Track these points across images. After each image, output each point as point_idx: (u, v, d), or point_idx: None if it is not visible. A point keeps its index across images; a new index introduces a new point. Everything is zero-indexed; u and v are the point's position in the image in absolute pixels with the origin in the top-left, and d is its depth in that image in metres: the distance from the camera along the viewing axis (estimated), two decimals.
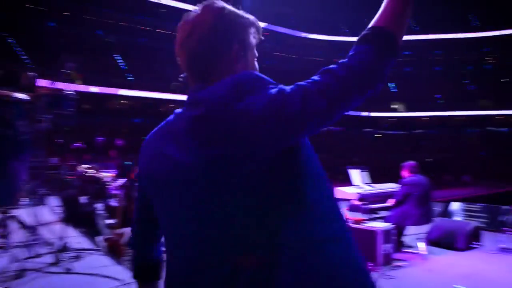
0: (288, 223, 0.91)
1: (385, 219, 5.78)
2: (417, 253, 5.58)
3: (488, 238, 6.36)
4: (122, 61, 34.73)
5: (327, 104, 0.91)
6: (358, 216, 5.96)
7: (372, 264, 4.92)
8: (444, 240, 6.06)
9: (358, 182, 6.25)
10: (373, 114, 43.47)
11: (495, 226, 7.31)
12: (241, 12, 1.11)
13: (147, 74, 33.90)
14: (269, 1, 39.48)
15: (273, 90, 0.94)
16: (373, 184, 6.37)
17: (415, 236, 5.88)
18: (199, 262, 0.95)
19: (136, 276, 1.28)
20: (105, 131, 29.57)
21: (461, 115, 41.79)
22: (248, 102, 0.92)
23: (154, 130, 1.16)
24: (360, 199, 5.77)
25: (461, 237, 5.90)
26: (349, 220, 5.28)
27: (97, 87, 29.90)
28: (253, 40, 1.13)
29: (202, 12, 1.07)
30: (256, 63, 1.16)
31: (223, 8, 1.07)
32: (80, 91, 28.94)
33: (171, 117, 1.12)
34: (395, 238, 5.58)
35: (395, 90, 45.80)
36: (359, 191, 5.85)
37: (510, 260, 5.45)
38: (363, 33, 1.00)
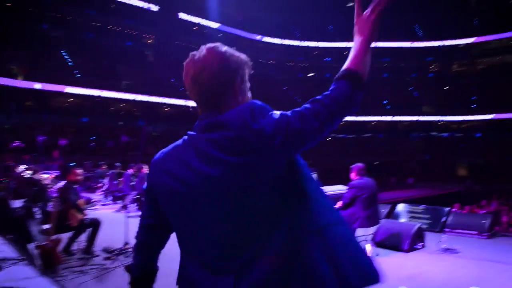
0: (300, 216, 1.18)
1: None
2: None
3: (431, 238, 6.51)
4: (68, 57, 33.11)
5: (319, 125, 1.21)
6: None
7: None
8: (390, 242, 6.13)
9: None
10: None
11: (437, 227, 7.52)
12: (237, 53, 1.38)
13: (96, 72, 32.51)
14: (223, 2, 39.28)
15: (277, 114, 1.23)
16: (321, 187, 6.34)
17: (362, 238, 5.91)
18: (224, 256, 1.17)
19: (134, 283, 1.45)
20: (49, 130, 28.06)
21: (406, 120, 43.47)
22: (261, 123, 1.18)
23: (166, 150, 1.35)
24: None
25: (405, 238, 5.99)
26: None
27: (41, 83, 28.30)
28: (247, 74, 1.42)
29: (209, 54, 1.32)
30: (249, 92, 1.45)
31: (226, 52, 1.34)
32: (23, 87, 27.47)
33: (181, 140, 1.33)
34: None
35: None
36: None
37: (452, 260, 5.58)
38: (340, 72, 1.33)
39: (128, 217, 9.28)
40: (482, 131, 40.06)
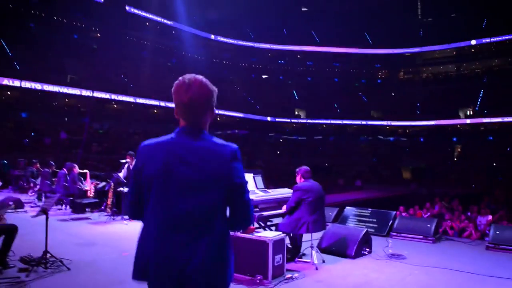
0: (224, 213, 1.84)
1: (278, 227, 5.42)
2: (310, 262, 5.30)
3: (377, 243, 6.35)
4: (7, 46, 30.86)
5: (247, 197, 1.89)
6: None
7: (260, 277, 4.48)
8: (336, 248, 5.89)
9: (252, 187, 5.82)
10: (277, 119, 44.46)
11: (384, 231, 7.42)
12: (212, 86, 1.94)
13: (38, 64, 30.51)
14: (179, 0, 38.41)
15: (241, 166, 1.89)
16: (267, 190, 5.99)
17: (308, 244, 5.62)
18: (188, 232, 1.75)
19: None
20: None
21: (355, 124, 44.50)
22: (237, 163, 1.86)
23: (156, 141, 1.88)
24: None
25: (352, 244, 5.77)
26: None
27: None
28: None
29: (197, 84, 1.89)
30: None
31: (209, 84, 1.92)
32: None
33: (169, 137, 1.87)
34: (288, 247, 5.25)
35: (297, 98, 47.46)
36: (251, 197, 5.39)
37: (399, 266, 5.41)
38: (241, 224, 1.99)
39: (61, 220, 8.57)
40: (425, 136, 41.81)
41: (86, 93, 31.43)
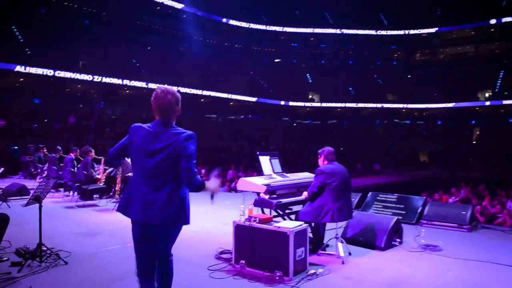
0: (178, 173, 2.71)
1: (298, 215, 4.85)
2: (335, 255, 4.73)
3: (407, 233, 5.74)
4: (19, 33, 30.58)
5: (192, 164, 2.71)
6: (266, 213, 4.96)
7: (280, 274, 3.92)
8: (363, 238, 5.30)
9: (269, 171, 5.24)
10: (291, 103, 43.77)
11: (413, 218, 6.80)
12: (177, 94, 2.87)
13: (50, 50, 30.18)
14: None
15: (192, 145, 2.77)
16: (286, 174, 5.40)
17: (332, 234, 5.05)
18: (155, 183, 2.68)
19: None
20: None
21: (371, 107, 43.63)
22: (189, 142, 2.74)
23: (141, 125, 2.80)
24: (268, 192, 4.75)
25: (381, 234, 5.17)
26: (254, 219, 4.23)
27: None
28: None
29: (169, 95, 2.79)
30: None
31: (175, 93, 2.84)
32: None
33: (150, 125, 2.79)
34: (310, 237, 4.67)
35: (311, 81, 46.58)
36: (268, 182, 4.81)
37: (435, 260, 4.79)
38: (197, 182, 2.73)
39: (66, 207, 8.14)
40: (442, 119, 40.81)
41: (97, 79, 31.14)
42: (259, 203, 4.73)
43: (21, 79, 30.43)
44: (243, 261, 4.22)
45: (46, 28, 30.49)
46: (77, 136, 24.14)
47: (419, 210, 6.86)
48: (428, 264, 4.61)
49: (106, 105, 33.56)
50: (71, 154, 9.73)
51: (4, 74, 28.35)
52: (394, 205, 7.15)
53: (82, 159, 9.25)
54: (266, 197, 4.68)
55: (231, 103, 41.43)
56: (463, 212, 6.44)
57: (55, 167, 10.16)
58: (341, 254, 4.62)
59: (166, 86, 2.89)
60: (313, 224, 4.97)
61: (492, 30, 40.91)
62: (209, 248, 5.06)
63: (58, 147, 11.08)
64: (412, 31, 44.03)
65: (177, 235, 2.97)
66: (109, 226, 6.54)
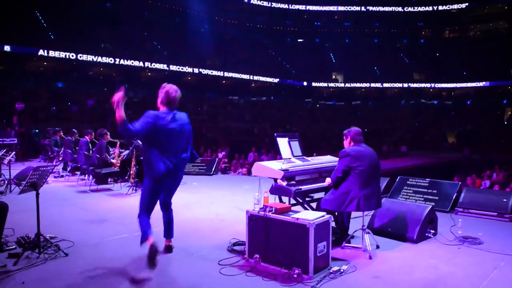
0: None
1: (319, 204, 4.34)
2: (361, 248, 4.23)
3: (441, 222, 5.17)
4: (42, 17, 30.68)
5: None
6: (284, 202, 4.47)
7: (299, 271, 3.46)
8: (392, 229, 4.76)
9: (287, 155, 4.74)
10: (314, 84, 42.90)
11: (447, 206, 6.20)
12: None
13: (72, 34, 30.22)
14: None
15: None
16: (306, 158, 4.89)
17: (357, 224, 4.54)
18: (179, 152, 3.92)
19: None
20: (21, 96, 26.20)
21: (397, 87, 42.35)
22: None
23: (158, 112, 3.86)
24: (286, 178, 4.25)
25: (413, 224, 4.62)
26: (270, 209, 3.76)
27: (11, 45, 26.14)
28: None
29: (177, 89, 3.98)
30: None
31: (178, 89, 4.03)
32: None
33: (163, 111, 3.89)
34: (333, 227, 4.18)
35: (335, 61, 45.46)
36: (286, 166, 4.32)
37: (476, 255, 4.22)
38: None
39: (80, 192, 7.87)
40: (472, 98, 39.29)
41: (120, 61, 31.10)
42: (276, 190, 4.24)
43: (45, 63, 30.67)
44: (258, 256, 3.78)
45: (69, 12, 30.49)
46: (98, 119, 24.14)
47: (453, 197, 6.25)
48: (468, 260, 4.05)
49: (128, 87, 33.51)
50: (86, 137, 9.46)
51: (28, 58, 28.61)
52: (425, 190, 6.55)
53: (97, 142, 8.97)
54: (284, 183, 4.19)
55: (252, 85, 40.89)
56: (504, 200, 5.80)
57: (69, 150, 9.93)
58: (368, 247, 4.11)
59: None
60: (336, 213, 4.47)
61: None
62: (223, 238, 4.64)
63: (74, 130, 10.86)
64: (441, 7, 42.27)
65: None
66: (118, 212, 6.21)
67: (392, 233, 4.73)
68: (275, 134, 4.77)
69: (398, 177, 7.08)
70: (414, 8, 43.40)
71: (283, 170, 4.20)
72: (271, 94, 42.17)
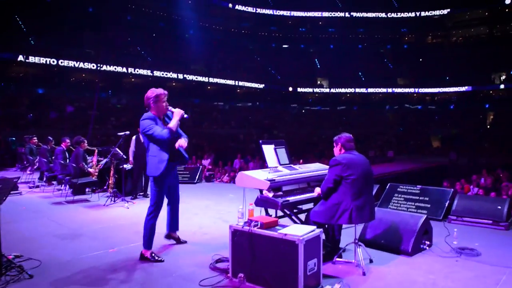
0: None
1: (309, 216, 4.05)
2: (354, 263, 3.94)
3: (435, 231, 4.92)
4: (22, 22, 29.96)
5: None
6: (270, 214, 4.16)
7: None
8: (385, 241, 4.49)
9: (274, 163, 4.44)
10: (299, 89, 42.89)
11: (440, 214, 5.97)
12: None
13: (53, 39, 29.57)
14: None
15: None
16: (294, 166, 4.60)
17: (348, 235, 4.25)
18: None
19: None
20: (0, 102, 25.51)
21: (381, 92, 42.59)
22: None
23: (152, 116, 4.23)
24: (272, 189, 3.95)
25: (408, 236, 4.35)
26: (256, 223, 3.45)
27: None
28: None
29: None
30: None
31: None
32: None
33: (157, 118, 4.26)
34: (324, 241, 3.88)
35: (320, 66, 45.57)
36: (272, 176, 4.01)
37: (476, 269, 3.95)
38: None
39: (55, 203, 7.42)
40: (455, 103, 39.74)
41: (102, 67, 30.54)
42: (262, 202, 3.93)
43: (25, 69, 29.92)
44: (242, 275, 3.46)
45: (50, 17, 29.87)
46: (80, 126, 23.56)
47: (446, 204, 6.03)
48: (468, 275, 3.79)
49: (111, 93, 33.03)
50: (62, 145, 9.02)
51: (7, 63, 27.86)
52: (417, 197, 6.32)
53: (74, 150, 8.55)
54: (270, 195, 3.89)
55: (238, 90, 40.64)
56: (498, 207, 5.59)
57: (45, 159, 9.46)
58: (361, 262, 3.83)
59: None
60: (326, 225, 4.18)
61: (507, 10, 39.33)
62: (205, 254, 4.30)
63: (50, 137, 10.38)
64: (423, 13, 42.76)
65: None
66: (94, 225, 5.82)
67: (385, 246, 4.45)
68: (260, 141, 4.47)
69: (388, 184, 6.84)
70: (397, 14, 43.82)
71: (269, 180, 3.89)
72: (256, 99, 41.98)
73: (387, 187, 6.76)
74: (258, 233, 3.38)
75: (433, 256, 4.30)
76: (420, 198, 6.28)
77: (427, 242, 4.53)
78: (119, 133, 7.62)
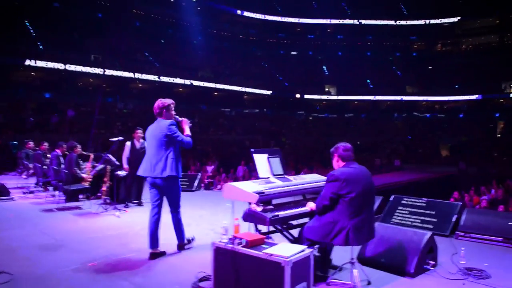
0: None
1: (302, 232, 3.71)
2: (350, 285, 3.59)
3: (441, 248, 4.55)
4: (31, 27, 30.13)
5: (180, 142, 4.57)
6: (261, 230, 3.83)
7: None
8: (386, 260, 4.13)
9: (266, 174, 4.13)
10: (306, 96, 42.64)
11: (446, 229, 5.59)
12: None
13: (61, 44, 29.68)
14: None
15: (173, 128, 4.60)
16: (288, 177, 4.28)
17: (345, 254, 3.90)
18: (155, 155, 4.49)
19: None
20: (8, 106, 25.53)
21: (389, 100, 42.20)
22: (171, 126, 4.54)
23: (152, 124, 4.71)
24: (262, 202, 3.63)
25: (411, 255, 4.00)
26: (240, 241, 3.13)
27: None
28: None
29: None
30: None
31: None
32: None
33: (154, 122, 4.66)
34: (315, 256, 3.55)
35: (328, 73, 45.32)
36: (262, 188, 3.69)
37: None
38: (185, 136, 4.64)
39: (45, 210, 7.16)
40: (464, 112, 39.21)
41: (109, 72, 30.57)
42: (249, 217, 3.59)
43: (33, 73, 30.01)
44: None
45: (59, 22, 30.04)
46: (84, 131, 23.46)
47: (453, 219, 5.64)
48: None
49: (118, 98, 33.03)
50: (56, 150, 8.79)
51: (14, 68, 27.96)
52: (422, 211, 5.95)
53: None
54: (259, 209, 3.56)
55: (245, 97, 40.47)
56: (510, 223, 5.21)
57: (39, 164, 9.24)
58: (358, 284, 3.49)
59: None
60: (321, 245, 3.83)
61: None
62: (190, 270, 3.98)
63: (45, 142, 10.17)
64: (433, 21, 42.64)
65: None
66: (81, 235, 5.54)
67: (386, 265, 4.10)
68: (252, 150, 4.16)
69: (392, 196, 6.48)
70: (406, 22, 43.68)
71: (257, 193, 3.57)
72: (263, 106, 41.80)
73: (391, 199, 6.39)
74: (242, 252, 3.06)
75: (438, 278, 3.93)
76: (426, 211, 5.91)
77: (432, 262, 4.16)
78: (111, 139, 7.36)
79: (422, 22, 42.92)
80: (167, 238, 4.80)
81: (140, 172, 4.61)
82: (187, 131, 4.61)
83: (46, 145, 10.82)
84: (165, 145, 4.43)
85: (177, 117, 4.66)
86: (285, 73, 43.34)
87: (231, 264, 3.10)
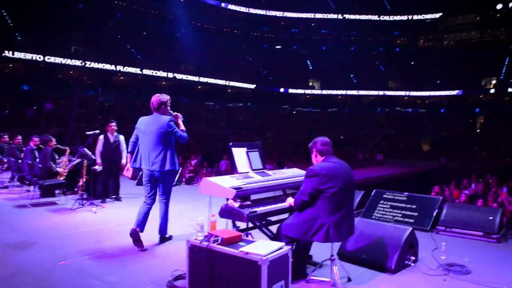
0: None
1: (281, 228, 3.60)
2: (329, 283, 3.51)
3: (421, 243, 4.51)
4: (8, 17, 29.26)
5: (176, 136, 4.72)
6: (239, 226, 3.72)
7: None
8: (367, 256, 4.06)
9: (245, 168, 4.01)
10: (290, 90, 42.61)
11: (427, 224, 5.57)
12: None
13: (40, 35, 28.88)
14: None
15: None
16: (268, 172, 4.17)
17: (324, 250, 3.82)
18: (154, 149, 4.62)
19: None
20: None
21: (372, 94, 42.50)
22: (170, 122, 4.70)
23: (144, 117, 4.80)
24: (239, 198, 3.51)
25: (392, 250, 3.93)
26: (216, 238, 3.01)
27: None
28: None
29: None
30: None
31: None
32: None
33: (150, 116, 4.75)
34: (294, 253, 3.46)
35: (312, 68, 45.34)
36: (240, 184, 3.57)
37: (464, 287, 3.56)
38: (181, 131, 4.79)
39: (19, 206, 6.90)
40: (445, 107, 39.78)
41: (90, 64, 29.92)
42: (226, 213, 3.47)
43: (10, 65, 29.18)
44: None
45: (38, 12, 29.19)
46: (64, 124, 22.95)
47: (434, 214, 5.63)
48: None
49: (99, 91, 32.42)
50: (30, 143, 8.50)
51: None
52: (404, 205, 5.93)
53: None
54: (236, 205, 3.43)
55: (229, 90, 40.20)
56: (490, 218, 5.21)
57: (13, 159, 8.93)
58: (338, 282, 3.41)
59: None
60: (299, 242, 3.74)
61: (498, 15, 39.49)
62: (166, 268, 3.85)
63: (19, 136, 9.85)
64: (415, 17, 42.99)
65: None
66: (55, 232, 5.33)
67: (366, 261, 4.03)
68: (230, 144, 4.03)
69: (374, 190, 6.44)
70: (389, 17, 43.89)
71: (235, 188, 3.44)
72: (247, 100, 41.61)
73: (372, 193, 6.35)
74: (217, 250, 2.94)
75: (419, 274, 3.88)
76: (407, 206, 5.88)
77: (412, 258, 4.11)
78: (87, 132, 7.12)
79: (405, 17, 43.24)
80: (147, 234, 4.64)
81: (137, 164, 4.79)
82: (182, 126, 4.77)
83: (19, 138, 10.47)
84: (164, 140, 4.61)
85: (171, 112, 4.78)
86: (269, 67, 43.19)
87: (206, 263, 2.98)
